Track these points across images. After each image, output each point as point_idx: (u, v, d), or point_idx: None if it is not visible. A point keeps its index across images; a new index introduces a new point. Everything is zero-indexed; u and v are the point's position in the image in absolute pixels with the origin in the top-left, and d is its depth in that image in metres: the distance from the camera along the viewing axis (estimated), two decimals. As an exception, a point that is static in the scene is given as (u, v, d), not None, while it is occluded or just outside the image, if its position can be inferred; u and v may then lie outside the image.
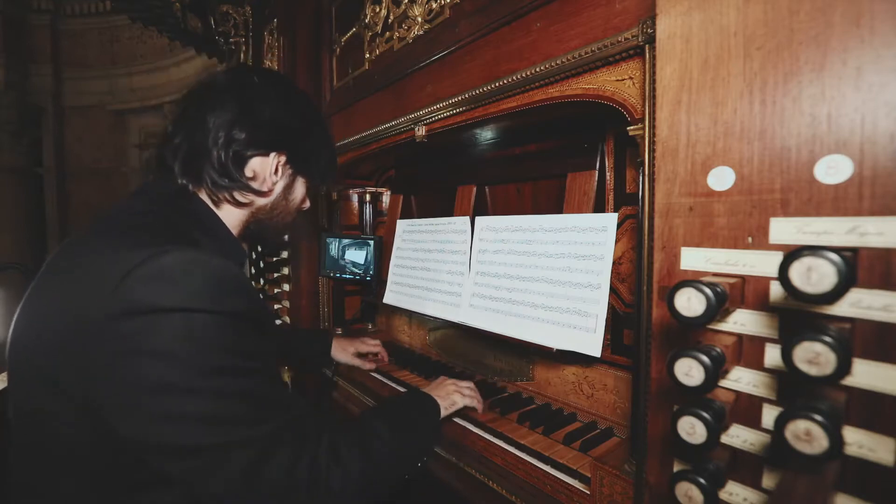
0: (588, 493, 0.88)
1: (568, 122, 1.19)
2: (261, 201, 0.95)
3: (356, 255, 1.85)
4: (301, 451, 0.73)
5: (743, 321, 0.61)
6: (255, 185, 0.91)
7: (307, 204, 1.08)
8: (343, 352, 1.62)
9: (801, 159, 0.56)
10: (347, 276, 1.86)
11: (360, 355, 1.63)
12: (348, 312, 2.03)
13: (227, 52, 2.65)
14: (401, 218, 1.79)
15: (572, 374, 1.23)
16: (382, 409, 1.04)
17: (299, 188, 1.02)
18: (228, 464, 0.67)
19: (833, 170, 0.53)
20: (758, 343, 0.60)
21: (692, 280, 0.55)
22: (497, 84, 1.08)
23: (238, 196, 0.90)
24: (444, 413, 1.10)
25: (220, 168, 0.86)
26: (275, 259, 2.19)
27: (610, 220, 1.07)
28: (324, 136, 1.04)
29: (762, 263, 0.59)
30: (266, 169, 0.91)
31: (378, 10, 1.56)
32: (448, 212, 1.58)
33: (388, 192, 2.01)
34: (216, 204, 0.91)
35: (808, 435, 0.45)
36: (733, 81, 0.62)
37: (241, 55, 2.44)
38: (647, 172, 0.75)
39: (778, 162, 0.58)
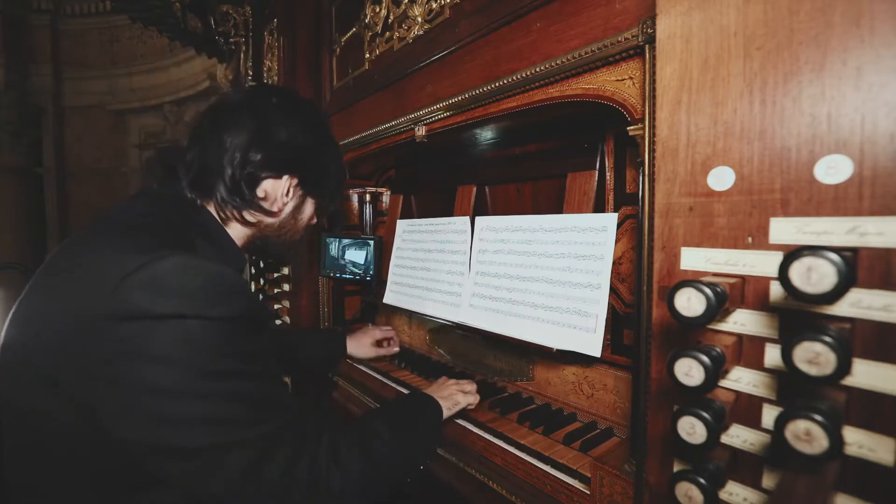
0: (588, 493, 0.88)
1: (568, 122, 1.19)
2: (269, 220, 0.96)
3: (356, 255, 1.85)
4: (301, 451, 0.73)
5: (743, 321, 0.61)
6: (265, 205, 0.92)
7: (315, 220, 1.09)
8: (361, 346, 1.60)
9: (801, 159, 0.56)
10: (347, 276, 1.86)
11: (379, 343, 1.63)
12: (348, 312, 2.03)
13: (227, 52, 2.66)
14: (401, 218, 1.79)
15: (572, 374, 1.23)
16: (384, 410, 1.04)
17: (308, 208, 1.03)
18: (228, 465, 0.67)
19: (833, 170, 0.53)
20: (758, 343, 0.60)
21: (692, 280, 0.55)
22: (497, 84, 1.08)
23: (247, 215, 0.92)
24: (446, 414, 1.10)
25: (233, 187, 0.87)
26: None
27: (610, 220, 1.06)
28: (336, 158, 1.06)
29: (762, 263, 0.59)
30: (278, 190, 0.92)
31: (378, 10, 1.56)
32: (448, 212, 1.58)
33: (388, 192, 2.01)
34: (224, 221, 0.92)
35: (808, 435, 0.45)
36: (733, 81, 0.62)
37: (241, 55, 2.45)
38: (647, 172, 0.75)
39: (778, 162, 0.58)
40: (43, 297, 0.74)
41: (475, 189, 1.51)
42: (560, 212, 1.22)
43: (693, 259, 0.66)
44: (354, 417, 1.54)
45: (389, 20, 1.51)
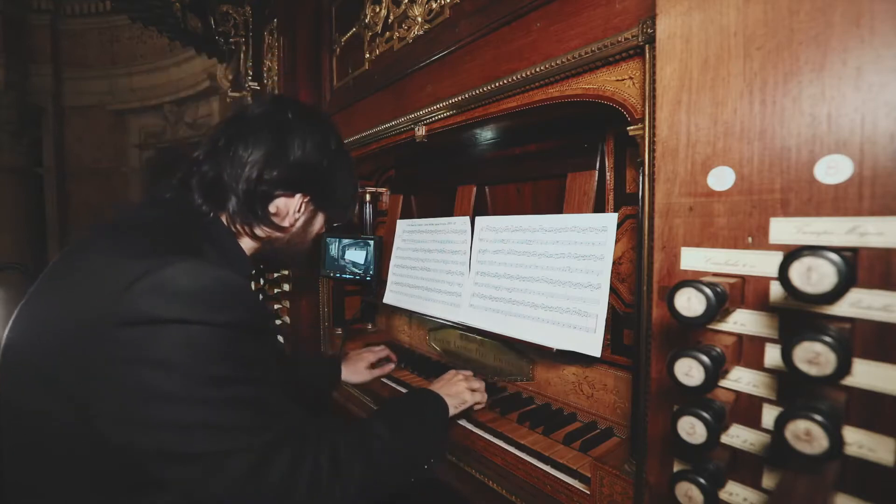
0: (588, 493, 0.88)
1: (568, 122, 1.19)
2: (278, 234, 0.96)
3: (356, 255, 1.85)
4: (301, 455, 0.73)
5: (743, 321, 0.61)
6: (276, 220, 0.93)
7: (323, 229, 1.09)
8: (356, 372, 1.54)
9: (801, 159, 0.56)
10: (347, 276, 1.86)
11: (374, 365, 1.57)
12: (348, 312, 2.03)
13: (227, 52, 2.66)
14: (401, 218, 1.79)
15: (572, 374, 1.23)
16: (387, 409, 1.02)
17: (319, 221, 1.04)
18: (228, 470, 0.67)
19: (833, 170, 0.53)
20: (758, 343, 0.60)
21: (692, 280, 0.55)
22: (497, 84, 1.08)
23: (258, 231, 0.92)
24: (452, 412, 1.08)
25: (246, 203, 0.88)
26: (275, 259, 2.18)
27: (610, 220, 1.07)
28: (349, 174, 1.06)
29: (762, 263, 0.59)
30: (290, 207, 0.93)
31: (378, 10, 1.56)
32: (448, 212, 1.58)
33: (388, 192, 2.01)
34: (236, 235, 0.93)
35: (808, 435, 0.45)
36: (733, 81, 0.62)
37: (241, 55, 2.44)
38: (647, 172, 0.75)
39: (778, 162, 0.58)
40: (48, 300, 0.74)
41: (475, 189, 1.51)
42: (560, 212, 1.22)
43: (693, 259, 0.66)
44: (354, 417, 1.53)
45: (389, 20, 1.51)
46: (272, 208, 0.92)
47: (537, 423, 1.13)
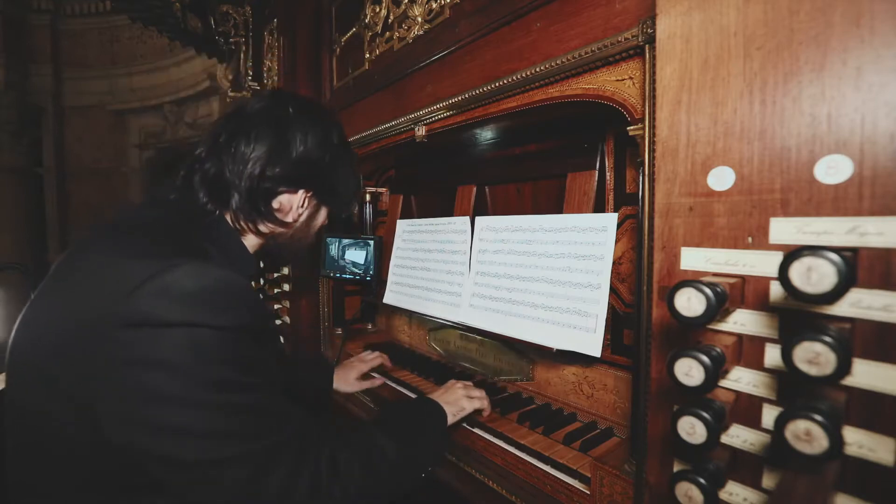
0: (588, 493, 0.88)
1: (568, 122, 1.19)
2: (282, 230, 0.96)
3: (356, 255, 1.85)
4: (301, 465, 0.73)
5: (743, 321, 0.61)
6: (280, 216, 0.93)
7: (326, 222, 1.09)
8: (346, 382, 1.52)
9: (801, 159, 0.56)
10: (347, 276, 1.86)
11: (364, 377, 1.54)
12: (348, 312, 2.03)
13: (227, 52, 2.65)
14: (401, 218, 1.79)
15: (572, 374, 1.23)
16: (385, 418, 1.02)
17: (321, 216, 1.04)
18: (226, 478, 0.67)
19: (833, 170, 0.53)
20: (758, 343, 0.60)
21: (692, 280, 0.55)
22: (497, 84, 1.08)
23: (261, 227, 0.92)
24: (451, 420, 1.08)
25: (249, 200, 0.88)
26: (275, 259, 2.19)
27: (610, 220, 1.07)
28: (351, 168, 1.06)
29: (762, 263, 0.59)
30: (293, 203, 0.93)
31: (378, 10, 1.56)
32: (448, 212, 1.58)
33: (388, 192, 2.01)
34: (240, 232, 0.92)
35: (808, 435, 0.45)
36: (733, 81, 0.62)
37: (241, 55, 2.44)
38: (647, 172, 0.75)
39: (778, 162, 0.58)
40: (50, 301, 0.74)
41: (475, 189, 1.51)
42: (560, 212, 1.22)
43: (693, 259, 0.66)
44: (354, 417, 1.53)
45: (389, 20, 1.51)
46: (275, 204, 0.92)
47: (537, 423, 1.13)
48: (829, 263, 0.44)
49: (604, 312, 1.02)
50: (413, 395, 1.37)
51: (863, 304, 0.51)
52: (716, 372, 0.54)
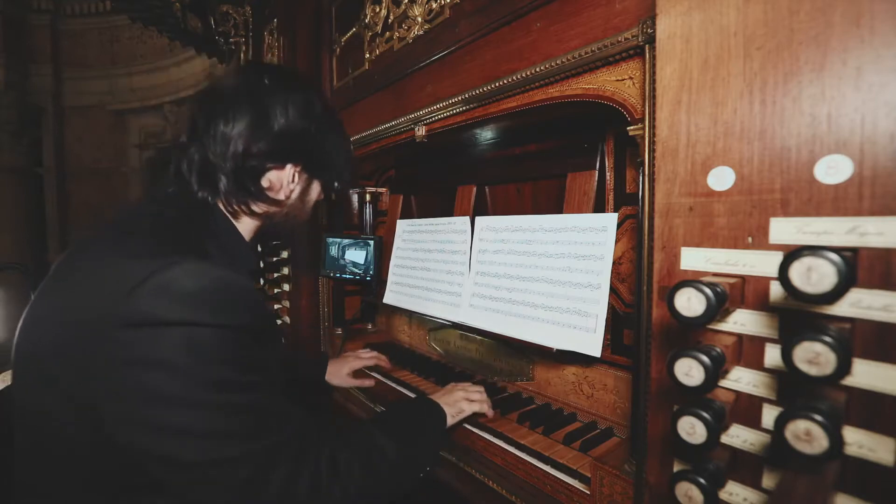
0: (588, 493, 0.88)
1: (568, 122, 1.19)
2: (276, 208, 0.94)
3: (356, 255, 1.85)
4: (300, 466, 0.73)
5: (743, 321, 0.61)
6: (271, 195, 0.90)
7: (322, 196, 1.06)
8: (337, 376, 1.53)
9: (801, 159, 0.56)
10: (347, 276, 1.86)
11: (356, 373, 1.55)
12: (348, 312, 2.03)
13: (227, 52, 2.65)
14: (401, 218, 1.79)
15: (572, 374, 1.23)
16: (385, 418, 1.02)
17: (315, 190, 1.01)
18: (226, 479, 0.67)
19: (833, 170, 0.53)
20: (758, 343, 0.60)
21: (692, 280, 0.55)
22: (497, 84, 1.08)
23: (255, 207, 0.90)
24: (450, 422, 1.08)
25: (237, 182, 0.85)
26: (275, 259, 2.19)
27: (610, 220, 1.07)
28: (339, 136, 1.02)
29: (762, 263, 0.59)
30: (283, 179, 0.90)
31: (378, 10, 1.56)
32: (448, 212, 1.58)
33: (388, 192, 2.01)
34: (234, 215, 0.90)
35: (808, 435, 0.45)
36: (733, 81, 0.62)
37: (241, 55, 2.44)
38: (647, 172, 0.75)
39: (778, 162, 0.58)
40: (52, 301, 0.74)
41: (475, 189, 1.51)
42: (560, 212, 1.22)
43: (693, 259, 0.66)
44: (354, 417, 1.53)
45: (389, 20, 1.51)
46: (265, 183, 0.88)
47: (537, 423, 1.13)
48: (829, 263, 0.44)
49: (604, 312, 1.02)
50: (413, 396, 1.37)
51: (863, 304, 0.51)
52: (716, 372, 0.54)
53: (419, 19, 1.38)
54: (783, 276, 0.47)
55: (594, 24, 0.89)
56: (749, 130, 0.60)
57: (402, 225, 1.75)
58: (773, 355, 0.59)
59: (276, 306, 2.18)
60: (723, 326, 0.63)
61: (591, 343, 1.02)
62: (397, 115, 1.44)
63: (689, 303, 0.55)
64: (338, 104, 1.81)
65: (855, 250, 0.52)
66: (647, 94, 0.75)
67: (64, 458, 0.69)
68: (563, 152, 1.26)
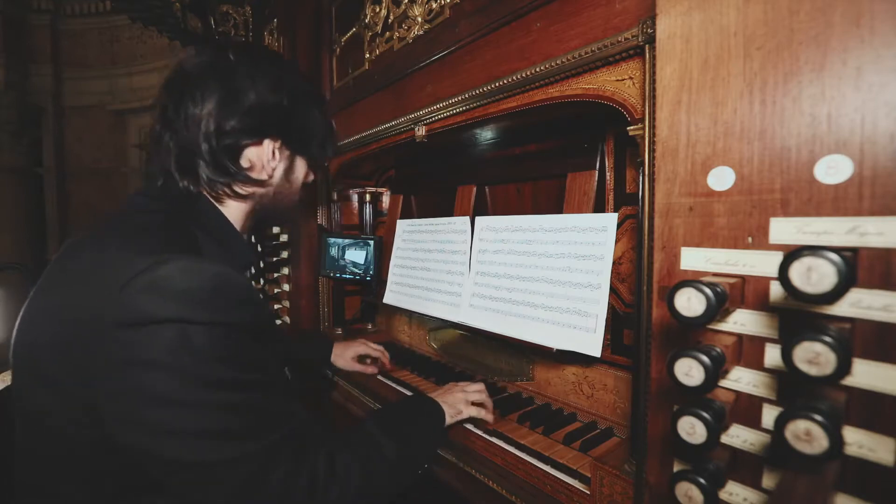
0: (588, 493, 0.88)
1: (568, 122, 1.19)
2: (262, 189, 0.91)
3: (356, 255, 1.85)
4: (299, 465, 0.73)
5: (743, 321, 0.61)
6: (253, 175, 0.87)
7: (311, 177, 1.04)
8: (342, 357, 1.57)
9: (801, 159, 0.56)
10: (347, 276, 1.86)
11: (361, 359, 1.58)
12: (348, 312, 2.03)
13: (228, 52, 2.65)
14: (401, 218, 1.79)
15: (572, 374, 1.23)
16: (383, 416, 1.01)
17: (300, 167, 0.98)
18: (224, 479, 0.66)
19: (833, 170, 0.53)
20: (758, 343, 0.60)
21: (692, 280, 0.55)
22: (497, 84, 1.08)
23: (238, 189, 0.87)
24: (448, 421, 1.07)
25: (215, 163, 0.82)
26: (275, 259, 2.19)
27: (610, 220, 1.07)
28: (317, 107, 0.97)
29: (762, 263, 0.59)
30: (263, 156, 0.87)
31: (378, 10, 1.56)
32: (448, 212, 1.58)
33: (388, 192, 2.01)
34: (218, 200, 0.87)
35: (808, 435, 0.45)
36: (733, 81, 0.62)
37: (242, 55, 2.44)
38: (647, 172, 0.75)
39: (778, 162, 0.58)
40: (46, 301, 0.73)
41: (475, 189, 1.51)
42: (560, 212, 1.22)
43: (693, 259, 0.66)
44: (354, 417, 1.53)
45: (389, 20, 1.51)
46: (244, 162, 0.86)
47: (537, 423, 1.13)
48: (829, 263, 0.44)
49: (604, 312, 1.02)
50: (413, 395, 1.37)
51: (863, 304, 0.51)
52: (716, 372, 0.54)
53: (419, 19, 1.38)
54: (783, 276, 0.47)
55: (594, 24, 0.89)
56: (749, 130, 0.60)
57: (402, 225, 1.75)
58: (773, 355, 0.59)
59: (276, 306, 2.18)
60: (723, 326, 0.63)
61: (591, 343, 1.02)
62: (397, 115, 1.44)
63: (689, 303, 0.55)
64: (338, 104, 1.81)
65: (855, 250, 0.52)
66: (647, 94, 0.75)
67: (64, 458, 0.69)
68: (563, 152, 1.26)
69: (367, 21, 1.62)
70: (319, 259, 1.92)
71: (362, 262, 1.84)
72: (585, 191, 1.18)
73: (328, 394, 1.72)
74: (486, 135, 1.41)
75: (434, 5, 1.32)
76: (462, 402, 1.13)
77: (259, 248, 2.24)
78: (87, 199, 7.67)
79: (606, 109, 0.88)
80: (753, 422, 0.61)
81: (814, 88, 0.55)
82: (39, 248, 7.33)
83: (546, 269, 1.16)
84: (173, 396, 0.63)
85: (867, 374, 0.51)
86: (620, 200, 1.14)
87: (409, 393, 1.39)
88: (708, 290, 0.54)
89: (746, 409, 0.62)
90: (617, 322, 1.13)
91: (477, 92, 1.13)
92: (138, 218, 0.80)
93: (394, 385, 1.45)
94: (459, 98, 1.19)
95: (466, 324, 1.34)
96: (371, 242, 1.83)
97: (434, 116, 1.29)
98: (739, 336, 0.62)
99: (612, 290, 1.08)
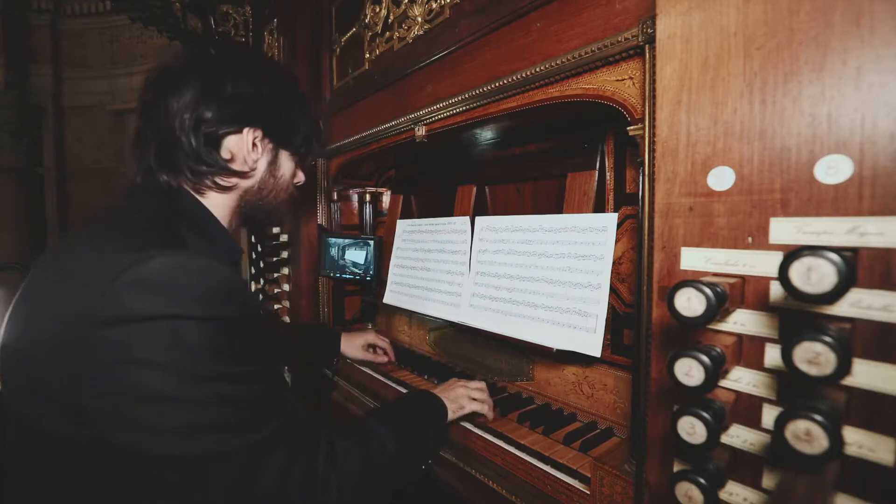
0: (588, 493, 0.88)
1: (568, 122, 1.19)
2: (245, 183, 0.91)
3: (356, 255, 1.85)
4: (296, 457, 0.72)
5: (743, 321, 0.61)
6: (234, 166, 0.86)
7: (301, 178, 1.03)
8: (352, 346, 1.62)
9: (801, 159, 0.56)
10: (347, 276, 1.86)
11: (370, 347, 1.64)
12: (348, 312, 2.03)
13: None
14: (401, 218, 1.79)
15: (572, 374, 1.23)
16: (385, 410, 1.01)
17: (286, 163, 0.97)
18: (221, 473, 0.66)
19: (833, 170, 0.53)
20: (758, 343, 0.60)
21: (692, 280, 0.55)
22: (497, 84, 1.08)
23: (220, 181, 0.87)
24: (450, 417, 1.07)
25: (194, 154, 0.82)
26: (275, 259, 2.19)
27: (610, 220, 1.06)
28: (299, 102, 0.98)
29: (762, 263, 0.59)
30: (243, 147, 0.86)
31: (378, 10, 1.56)
32: (448, 212, 1.58)
33: (388, 192, 2.01)
34: (200, 193, 0.87)
35: (808, 435, 0.45)
36: (733, 81, 0.62)
37: (241, 55, 2.44)
38: (647, 172, 0.75)
39: (778, 162, 0.58)
40: (32, 301, 0.72)
41: (475, 189, 1.51)
42: (560, 212, 1.22)
43: (693, 259, 0.66)
44: (354, 417, 1.53)
45: (389, 20, 1.51)
46: (225, 154, 0.85)
47: (537, 423, 1.13)
48: (829, 263, 0.44)
49: (604, 312, 1.02)
50: (413, 395, 1.37)
51: (863, 304, 0.51)
52: (716, 372, 0.54)
53: (419, 19, 1.38)
54: (783, 276, 0.47)
55: (594, 24, 0.89)
56: (749, 130, 0.60)
57: (402, 225, 1.75)
58: (773, 355, 0.59)
59: (276, 306, 2.19)
60: (723, 326, 0.63)
61: (591, 343, 1.02)
62: (397, 115, 1.44)
63: (689, 303, 0.55)
64: (338, 104, 1.81)
65: (855, 250, 0.52)
66: (647, 94, 0.75)
67: (64, 458, 0.69)
68: (563, 152, 1.26)
69: (367, 21, 1.62)
70: (319, 259, 1.92)
71: (362, 262, 1.84)
72: (585, 191, 1.18)
73: (328, 394, 1.72)
74: (486, 135, 1.41)
75: (434, 5, 1.32)
76: (464, 396, 1.13)
77: (259, 248, 2.25)
78: (87, 199, 7.67)
79: (606, 109, 0.88)
80: (753, 422, 0.61)
81: (814, 88, 0.55)
82: (39, 248, 7.33)
83: (546, 269, 1.16)
84: (167, 393, 0.63)
85: (867, 374, 0.51)
86: (620, 200, 1.14)
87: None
88: (708, 290, 0.54)
89: (746, 409, 0.62)
90: (617, 322, 1.13)
91: (477, 92, 1.13)
92: (119, 216, 0.79)
93: (394, 385, 1.45)
94: (459, 98, 1.19)
95: (466, 324, 1.34)
96: (371, 242, 1.83)
97: (434, 116, 1.29)
98: (739, 336, 0.62)
99: (612, 290, 1.08)
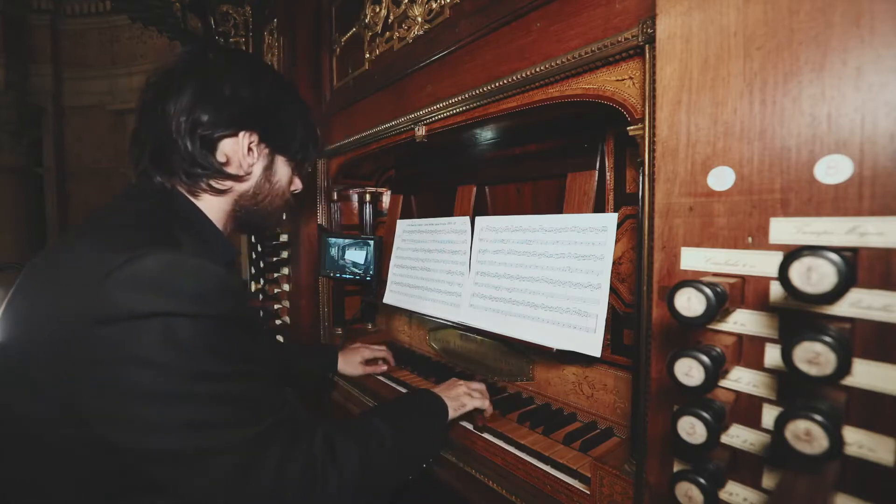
0: (588, 493, 0.88)
1: (568, 122, 1.19)
2: (241, 187, 0.91)
3: (356, 255, 1.85)
4: (293, 452, 0.72)
5: (743, 321, 0.61)
6: (229, 169, 0.87)
7: (298, 186, 1.03)
8: (350, 364, 1.57)
9: (801, 159, 0.56)
10: (347, 276, 1.86)
11: (368, 362, 1.59)
12: (348, 312, 2.03)
13: (227, 53, 2.65)
14: (401, 218, 1.79)
15: (572, 374, 1.23)
16: (386, 407, 1.01)
17: (282, 169, 0.97)
18: (217, 469, 0.66)
19: (833, 170, 0.53)
20: (758, 343, 0.60)
21: (692, 280, 0.55)
22: (497, 84, 1.08)
23: (214, 184, 0.87)
24: (452, 415, 1.07)
25: (189, 156, 0.82)
26: (275, 259, 2.19)
27: (610, 220, 1.06)
28: (296, 108, 0.98)
29: (762, 263, 0.59)
30: (238, 150, 0.87)
31: (378, 10, 1.56)
32: (448, 212, 1.58)
33: (388, 192, 2.01)
34: (194, 195, 0.87)
35: (808, 435, 0.45)
36: (733, 81, 0.62)
37: (241, 55, 2.44)
38: (647, 172, 0.75)
39: (778, 162, 0.58)
40: (25, 301, 0.72)
41: (475, 189, 1.51)
42: (560, 212, 1.22)
43: (693, 259, 0.66)
44: (354, 417, 1.53)
45: (389, 20, 1.51)
46: (220, 157, 0.85)
47: (537, 423, 1.13)
48: (829, 263, 0.44)
49: (604, 312, 1.02)
50: (413, 395, 1.37)
51: (863, 304, 0.51)
52: (716, 372, 0.54)
53: (419, 19, 1.38)
54: (783, 276, 0.47)
55: (594, 24, 0.89)
56: (749, 130, 0.60)
57: (402, 225, 1.75)
58: (773, 355, 0.59)
59: (276, 306, 2.18)
60: (723, 326, 0.63)
61: (591, 343, 1.02)
62: (397, 115, 1.44)
63: (689, 303, 0.55)
64: (338, 104, 1.81)
65: (855, 250, 0.52)
66: (647, 94, 0.75)
67: (64, 458, 0.69)
68: (563, 152, 1.26)
69: (367, 21, 1.62)
70: (319, 259, 1.92)
71: (362, 262, 1.84)
72: (585, 191, 1.18)
73: (328, 394, 1.72)
74: (486, 135, 1.41)
75: (434, 5, 1.32)
76: (464, 395, 1.13)
77: (259, 248, 2.25)
78: (87, 199, 7.67)
79: (606, 109, 0.88)
80: (753, 422, 0.61)
81: (814, 88, 0.55)
82: (39, 248, 7.32)
83: (546, 269, 1.16)
84: (159, 391, 0.63)
85: (867, 374, 0.51)
86: (620, 200, 1.14)
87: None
88: (708, 290, 0.54)
89: (746, 409, 0.62)
90: (617, 322, 1.13)
91: (477, 92, 1.13)
92: (114, 216, 0.79)
93: (394, 385, 1.45)
94: (459, 98, 1.19)
95: (466, 324, 1.34)
96: (371, 242, 1.83)
97: (434, 116, 1.29)
98: (739, 336, 0.62)
99: (612, 290, 1.08)
